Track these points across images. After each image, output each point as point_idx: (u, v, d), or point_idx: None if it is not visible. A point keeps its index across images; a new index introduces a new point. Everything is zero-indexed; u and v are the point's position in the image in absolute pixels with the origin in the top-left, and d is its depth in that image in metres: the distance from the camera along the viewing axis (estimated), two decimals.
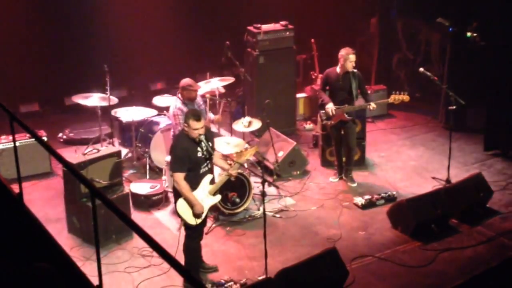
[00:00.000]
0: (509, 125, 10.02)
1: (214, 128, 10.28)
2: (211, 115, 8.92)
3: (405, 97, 8.94)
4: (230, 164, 7.11)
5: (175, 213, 7.11)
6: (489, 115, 10.36)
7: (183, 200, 6.75)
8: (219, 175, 7.34)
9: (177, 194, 6.81)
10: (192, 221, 6.78)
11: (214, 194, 6.99)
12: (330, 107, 8.89)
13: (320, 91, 9.21)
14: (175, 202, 6.85)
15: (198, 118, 6.64)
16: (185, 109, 8.22)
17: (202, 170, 6.83)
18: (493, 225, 8.22)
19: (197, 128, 6.62)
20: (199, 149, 6.75)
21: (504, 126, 10.08)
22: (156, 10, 11.98)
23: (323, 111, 9.11)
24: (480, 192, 8.56)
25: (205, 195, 6.87)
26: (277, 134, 9.88)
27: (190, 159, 6.70)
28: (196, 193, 6.78)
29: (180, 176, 6.68)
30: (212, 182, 6.97)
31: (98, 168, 7.99)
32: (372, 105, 8.87)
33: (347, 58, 8.78)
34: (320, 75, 11.08)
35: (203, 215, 6.85)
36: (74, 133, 10.77)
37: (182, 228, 7.04)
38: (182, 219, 6.84)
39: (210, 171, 6.96)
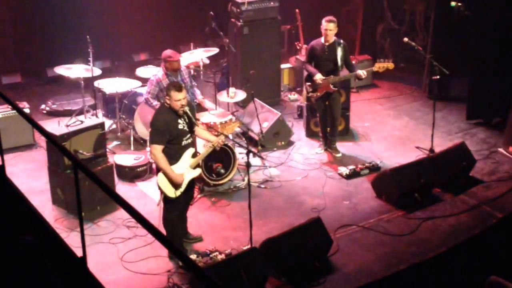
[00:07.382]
0: (492, 94, 10.05)
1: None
2: (197, 92, 8.81)
3: (389, 65, 8.92)
4: (217, 135, 7.07)
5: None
6: (472, 84, 10.38)
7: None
8: (203, 146, 7.31)
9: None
10: (172, 193, 6.75)
11: (194, 168, 6.94)
12: (319, 77, 8.84)
13: (306, 64, 9.16)
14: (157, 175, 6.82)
15: (179, 89, 6.60)
16: (164, 80, 8.23)
17: (184, 143, 6.78)
18: (476, 194, 8.28)
19: (179, 99, 6.58)
20: (180, 121, 6.70)
21: (487, 95, 10.10)
22: None
23: (309, 83, 9.09)
24: (463, 161, 8.62)
25: (186, 169, 6.83)
26: (261, 104, 9.85)
27: (170, 132, 6.65)
28: (177, 166, 6.73)
29: (157, 148, 6.63)
30: (194, 155, 6.92)
31: (81, 140, 7.95)
32: (360, 72, 8.73)
33: (323, 26, 8.78)
34: (305, 46, 11.04)
35: (182, 188, 6.80)
36: (57, 104, 10.67)
37: (162, 202, 6.97)
38: (162, 192, 6.80)
39: (192, 144, 6.92)
